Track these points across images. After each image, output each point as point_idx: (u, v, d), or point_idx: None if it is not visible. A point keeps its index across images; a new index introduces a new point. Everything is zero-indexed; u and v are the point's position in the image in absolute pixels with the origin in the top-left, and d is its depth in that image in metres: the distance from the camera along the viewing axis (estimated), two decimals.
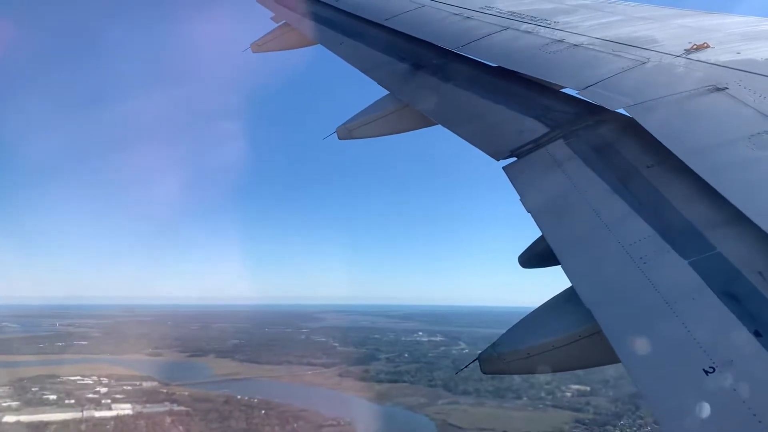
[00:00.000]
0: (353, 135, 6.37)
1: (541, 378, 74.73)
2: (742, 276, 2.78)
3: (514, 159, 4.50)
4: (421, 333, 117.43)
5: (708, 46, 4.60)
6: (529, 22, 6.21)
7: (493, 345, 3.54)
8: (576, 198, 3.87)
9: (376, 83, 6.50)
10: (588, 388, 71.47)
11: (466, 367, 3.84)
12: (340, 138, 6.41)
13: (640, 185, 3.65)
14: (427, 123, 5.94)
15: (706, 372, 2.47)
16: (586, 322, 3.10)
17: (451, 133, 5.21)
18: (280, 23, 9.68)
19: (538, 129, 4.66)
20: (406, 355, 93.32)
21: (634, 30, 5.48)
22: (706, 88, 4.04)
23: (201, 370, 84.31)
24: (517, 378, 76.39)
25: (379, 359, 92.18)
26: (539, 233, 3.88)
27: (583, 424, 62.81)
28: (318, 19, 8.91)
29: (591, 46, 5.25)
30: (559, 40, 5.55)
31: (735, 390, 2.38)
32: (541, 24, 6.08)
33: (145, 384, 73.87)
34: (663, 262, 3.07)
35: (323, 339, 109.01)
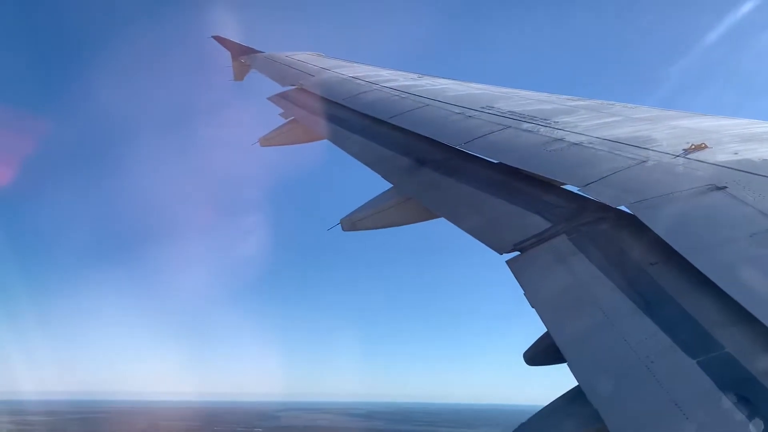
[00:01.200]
0: (357, 227, 6.43)
1: None
2: (752, 376, 2.72)
3: (518, 253, 4.51)
4: None
5: (706, 147, 4.72)
6: (529, 121, 6.40)
7: None
8: (580, 294, 3.85)
9: (380, 177, 6.63)
10: None
11: None
12: (344, 229, 6.46)
13: (644, 282, 3.64)
14: (430, 216, 6.01)
15: None
16: (594, 423, 3.00)
17: (454, 226, 5.26)
18: (289, 119, 10.00)
19: (541, 224, 4.70)
20: None
21: (633, 130, 5.63)
22: (706, 187, 4.10)
23: None
24: None
25: None
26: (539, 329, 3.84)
27: None
28: (325, 115, 9.21)
29: (590, 145, 5.38)
30: (559, 139, 5.70)
31: None
32: (541, 123, 6.26)
33: None
34: (670, 362, 3.01)
35: None
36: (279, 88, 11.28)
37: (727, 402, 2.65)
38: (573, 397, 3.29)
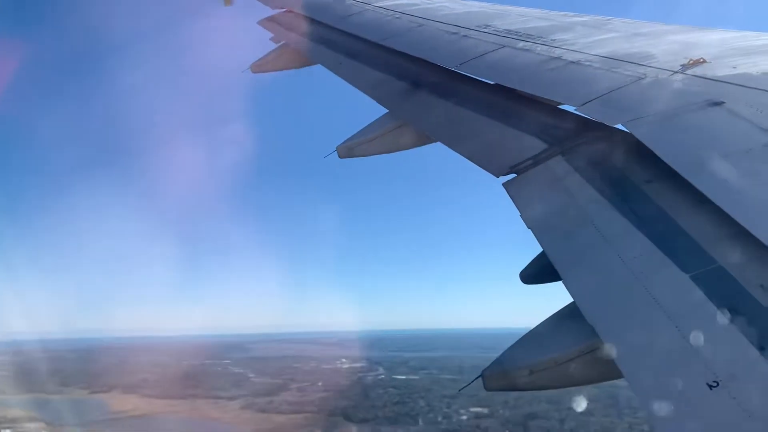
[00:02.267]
0: (353, 153, 6.41)
1: (441, 401, 75.22)
2: (744, 290, 2.78)
3: (514, 175, 4.52)
4: (343, 360, 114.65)
5: (704, 62, 4.64)
6: (526, 40, 6.26)
7: (497, 362, 3.54)
8: (576, 213, 3.88)
9: (375, 102, 6.55)
10: (486, 410, 71.27)
11: (469, 384, 3.82)
12: (340, 156, 6.44)
13: (640, 200, 3.67)
14: (427, 141, 5.98)
15: (710, 386, 2.46)
16: (588, 337, 3.09)
17: (451, 150, 5.24)
18: (280, 44, 9.77)
19: (537, 145, 4.68)
20: (320, 383, 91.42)
21: (631, 46, 5.52)
22: (704, 102, 4.06)
23: (97, 408, 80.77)
24: (420, 402, 76.55)
25: (290, 389, 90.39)
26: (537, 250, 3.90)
27: None
28: (317, 39, 9.00)
29: (588, 63, 5.29)
30: (556, 57, 5.60)
31: (739, 404, 2.37)
32: (538, 42, 6.13)
33: (28, 426, 68.95)
34: (664, 277, 3.08)
35: (240, 370, 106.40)
36: (269, 12, 10.97)
37: (719, 314, 2.73)
38: (568, 313, 3.38)
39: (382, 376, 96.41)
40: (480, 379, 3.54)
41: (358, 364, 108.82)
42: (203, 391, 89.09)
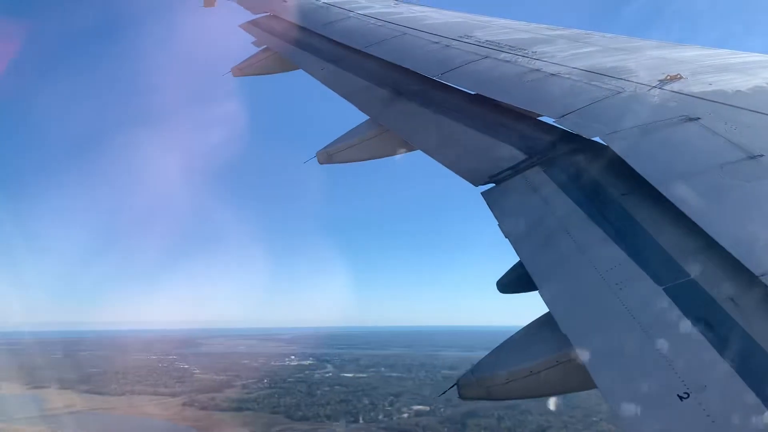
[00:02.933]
0: (333, 159, 6.40)
1: (385, 399, 75.91)
2: (714, 302, 2.83)
3: (492, 185, 4.54)
4: (293, 357, 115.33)
5: (681, 77, 4.72)
6: (507, 51, 6.32)
7: (472, 370, 3.54)
8: (553, 224, 3.91)
9: (356, 108, 6.55)
10: (428, 408, 72.46)
11: (444, 392, 3.82)
12: (320, 162, 6.43)
13: (616, 212, 3.71)
14: (407, 148, 5.99)
15: (681, 397, 2.49)
16: (563, 347, 3.12)
17: (430, 158, 5.26)
18: (262, 48, 9.74)
19: (516, 156, 4.72)
20: (266, 380, 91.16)
21: (610, 60, 5.60)
22: (680, 118, 4.13)
23: (32, 404, 76.80)
24: (364, 400, 76.38)
25: (234, 386, 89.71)
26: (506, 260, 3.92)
27: None
28: (299, 44, 8.98)
29: (568, 76, 5.35)
30: (536, 69, 5.65)
31: (708, 415, 2.40)
32: (519, 53, 6.19)
33: None
34: (638, 289, 3.11)
35: (186, 366, 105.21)
36: (252, 15, 10.93)
37: (691, 326, 2.76)
38: (543, 323, 3.40)
39: (330, 374, 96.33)
40: (455, 387, 3.55)
41: (307, 362, 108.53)
42: (145, 388, 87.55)
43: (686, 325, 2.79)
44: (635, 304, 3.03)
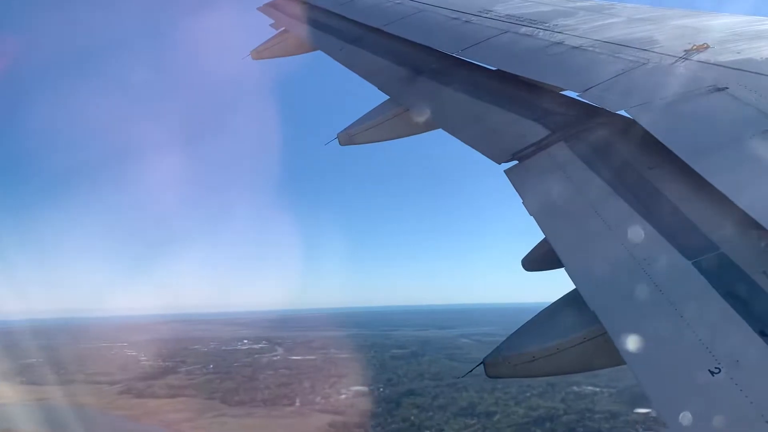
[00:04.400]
0: (354, 140, 6.38)
1: (326, 381, 75.25)
2: (746, 276, 2.78)
3: (516, 162, 4.50)
4: (246, 341, 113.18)
5: (708, 47, 4.61)
6: (527, 25, 6.22)
7: (498, 349, 3.54)
8: (578, 200, 3.87)
9: (376, 89, 6.52)
10: (366, 389, 72.50)
11: (470, 371, 3.83)
12: (341, 144, 6.42)
13: (643, 187, 3.65)
14: (429, 127, 5.95)
15: (712, 373, 2.47)
16: (590, 324, 3.10)
17: (452, 137, 5.22)
18: (280, 30, 9.72)
19: (539, 132, 4.66)
20: (211, 366, 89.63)
21: (634, 31, 5.48)
22: (707, 88, 4.04)
23: None
24: (306, 383, 75.45)
25: (178, 372, 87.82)
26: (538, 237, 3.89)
27: (334, 428, 63.37)
28: (317, 25, 8.94)
29: (590, 48, 5.26)
30: (558, 43, 5.56)
31: (741, 390, 2.37)
32: (540, 27, 6.09)
33: None
34: (666, 263, 3.07)
35: (134, 353, 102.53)
36: None
37: (721, 301, 2.73)
38: (570, 300, 3.38)
39: (278, 357, 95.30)
40: (481, 366, 3.55)
41: (258, 345, 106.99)
42: (86, 376, 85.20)
43: (716, 299, 2.75)
44: (664, 279, 3.00)
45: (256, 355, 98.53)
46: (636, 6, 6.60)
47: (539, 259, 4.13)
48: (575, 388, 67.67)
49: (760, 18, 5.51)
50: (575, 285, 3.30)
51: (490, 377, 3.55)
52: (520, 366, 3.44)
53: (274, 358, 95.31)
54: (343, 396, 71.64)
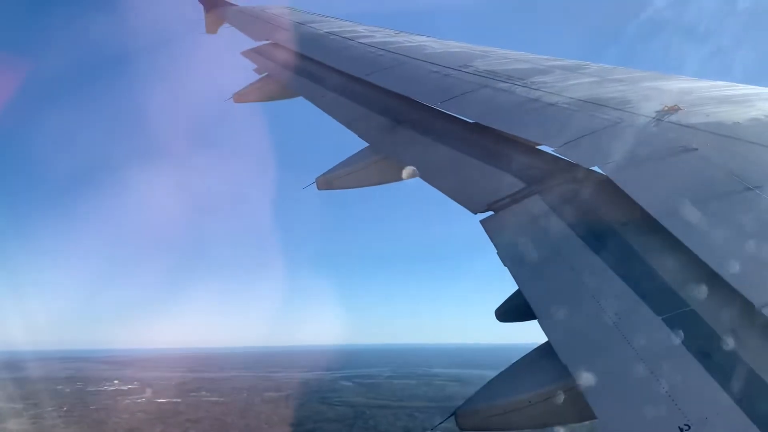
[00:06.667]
0: (332, 186, 6.40)
1: (179, 427, 71.25)
2: (715, 334, 2.81)
3: (491, 213, 4.55)
4: (116, 381, 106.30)
5: (679, 109, 4.76)
6: (505, 81, 6.38)
7: (470, 400, 3.51)
8: (552, 253, 3.91)
9: (356, 136, 6.58)
10: None
11: (441, 422, 3.78)
12: (319, 188, 6.43)
13: (615, 242, 3.71)
14: (407, 176, 5.99)
15: (682, 430, 2.47)
16: (562, 378, 3.09)
17: (429, 186, 5.27)
18: (263, 75, 9.82)
19: (515, 184, 4.73)
20: (65, 409, 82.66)
21: (608, 91, 5.65)
22: (678, 148, 4.16)
23: None
24: (157, 429, 70.31)
25: (22, 416, 78.23)
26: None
27: None
28: (300, 71, 9.06)
29: (566, 106, 5.40)
30: (534, 99, 5.70)
31: None
32: (518, 83, 6.24)
33: None
34: (637, 319, 3.10)
35: None
36: (254, 43, 11.04)
37: (691, 357, 2.75)
38: (543, 352, 3.37)
39: (141, 400, 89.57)
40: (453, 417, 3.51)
41: (127, 386, 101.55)
42: None
43: (686, 356, 2.77)
44: (635, 335, 3.02)
45: (119, 398, 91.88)
46: (611, 67, 6.82)
47: (513, 310, 4.13)
48: None
49: (728, 83, 5.74)
50: (548, 338, 3.31)
51: (461, 429, 3.50)
52: (492, 418, 3.41)
53: (137, 401, 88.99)
54: None
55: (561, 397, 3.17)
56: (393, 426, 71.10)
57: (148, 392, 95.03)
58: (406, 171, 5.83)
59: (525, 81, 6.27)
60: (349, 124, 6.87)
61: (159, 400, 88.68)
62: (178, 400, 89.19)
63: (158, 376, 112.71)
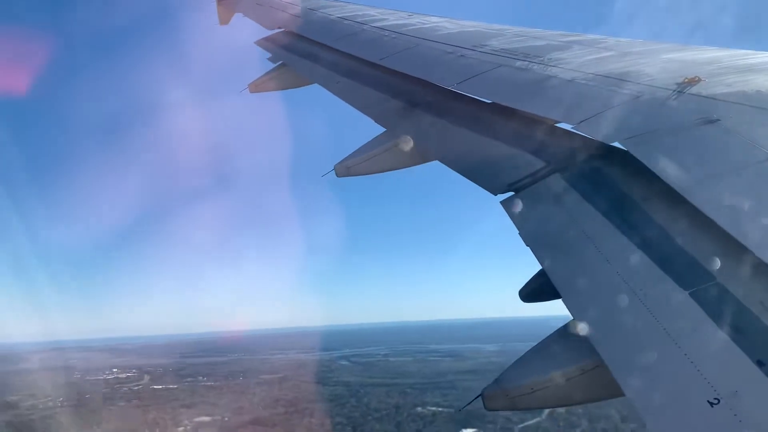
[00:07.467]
0: (351, 172, 6.41)
1: (173, 412, 71.90)
2: (742, 306, 2.79)
3: (512, 193, 4.53)
4: (115, 370, 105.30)
5: (700, 80, 4.68)
6: (522, 59, 6.31)
7: (497, 381, 3.52)
8: (574, 231, 3.89)
9: (372, 121, 6.57)
10: (209, 419, 70.14)
11: (469, 404, 3.80)
12: (338, 175, 6.44)
13: (638, 217, 3.68)
14: (424, 159, 5.99)
15: (711, 404, 2.46)
16: (588, 355, 3.09)
17: (449, 169, 5.26)
18: (277, 64, 9.83)
19: (535, 163, 4.70)
20: (61, 399, 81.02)
21: (627, 65, 5.57)
22: (699, 120, 4.09)
23: None
24: (152, 413, 71.47)
25: (18, 408, 78.52)
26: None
27: None
28: (314, 59, 9.05)
29: (584, 82, 5.33)
30: (552, 76, 5.64)
31: (741, 421, 2.36)
32: (534, 61, 6.18)
33: None
34: (663, 294, 3.08)
35: None
36: (266, 32, 11.05)
37: (718, 331, 2.73)
38: (567, 331, 3.37)
39: (138, 387, 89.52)
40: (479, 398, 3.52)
41: (125, 374, 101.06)
42: None
43: (714, 329, 2.75)
44: (661, 310, 3.00)
45: (117, 386, 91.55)
46: (628, 40, 6.71)
47: (536, 291, 4.12)
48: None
49: (748, 51, 5.61)
50: (573, 316, 3.30)
51: (488, 410, 3.52)
52: (519, 398, 3.42)
53: (135, 388, 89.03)
54: (181, 428, 68.46)
55: (587, 375, 3.17)
56: (383, 403, 71.79)
57: (146, 380, 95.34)
58: (423, 154, 5.82)
59: (542, 58, 6.20)
60: (364, 110, 6.86)
61: (155, 387, 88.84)
62: (174, 386, 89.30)
63: (154, 363, 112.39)
